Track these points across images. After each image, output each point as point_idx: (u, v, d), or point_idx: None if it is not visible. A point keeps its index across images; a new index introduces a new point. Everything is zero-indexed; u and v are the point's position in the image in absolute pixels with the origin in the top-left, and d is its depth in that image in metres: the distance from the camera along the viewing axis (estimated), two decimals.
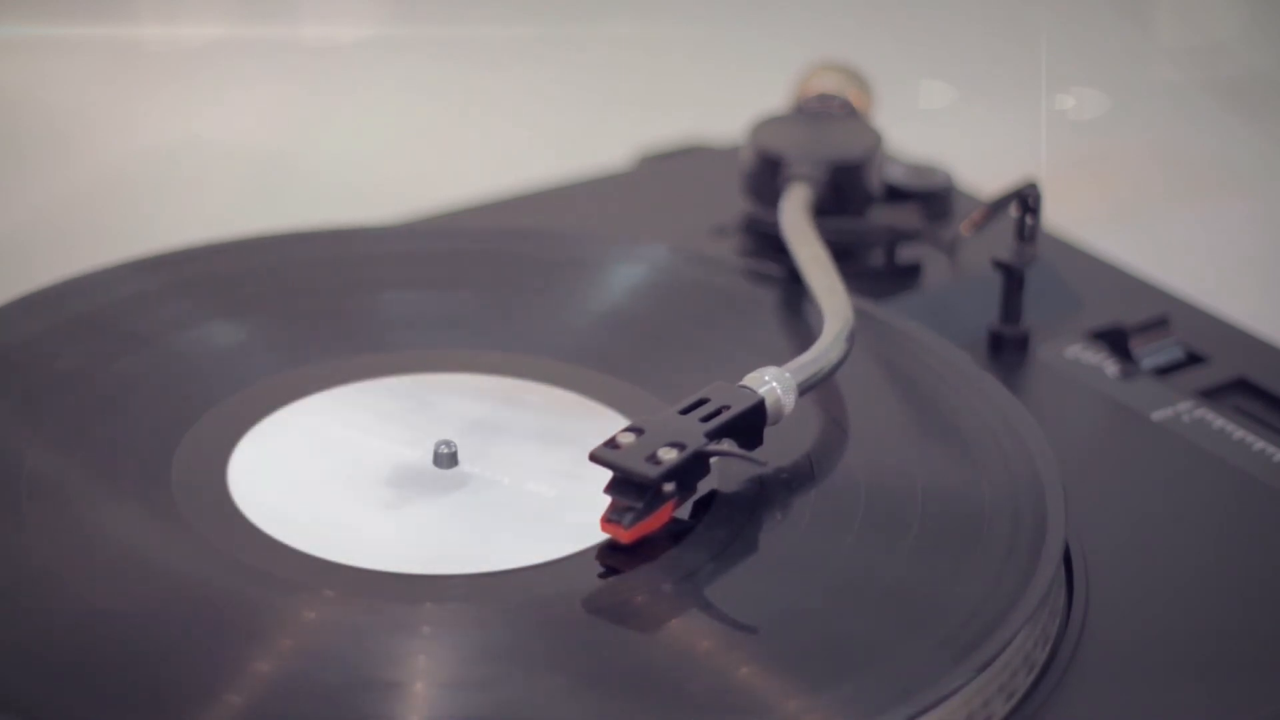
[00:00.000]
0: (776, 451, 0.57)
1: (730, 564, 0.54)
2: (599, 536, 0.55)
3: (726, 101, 0.82)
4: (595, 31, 1.11)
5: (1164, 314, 0.69)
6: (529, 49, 1.10)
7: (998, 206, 0.68)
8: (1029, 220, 0.67)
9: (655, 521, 0.54)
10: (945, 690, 0.50)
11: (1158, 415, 0.64)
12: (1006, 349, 0.68)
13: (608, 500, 0.54)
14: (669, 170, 0.80)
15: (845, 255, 0.71)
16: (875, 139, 0.72)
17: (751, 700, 0.50)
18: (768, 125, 0.73)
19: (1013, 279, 0.68)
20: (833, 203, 0.70)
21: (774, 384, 0.57)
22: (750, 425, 0.56)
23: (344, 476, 0.58)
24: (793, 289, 0.67)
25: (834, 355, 0.59)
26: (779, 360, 0.58)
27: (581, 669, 0.51)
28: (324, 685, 0.50)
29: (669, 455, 0.54)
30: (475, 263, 0.68)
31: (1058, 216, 0.75)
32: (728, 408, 0.56)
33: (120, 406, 0.60)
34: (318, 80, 1.07)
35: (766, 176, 0.71)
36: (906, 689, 0.50)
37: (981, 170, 0.80)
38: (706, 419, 0.55)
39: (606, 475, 0.54)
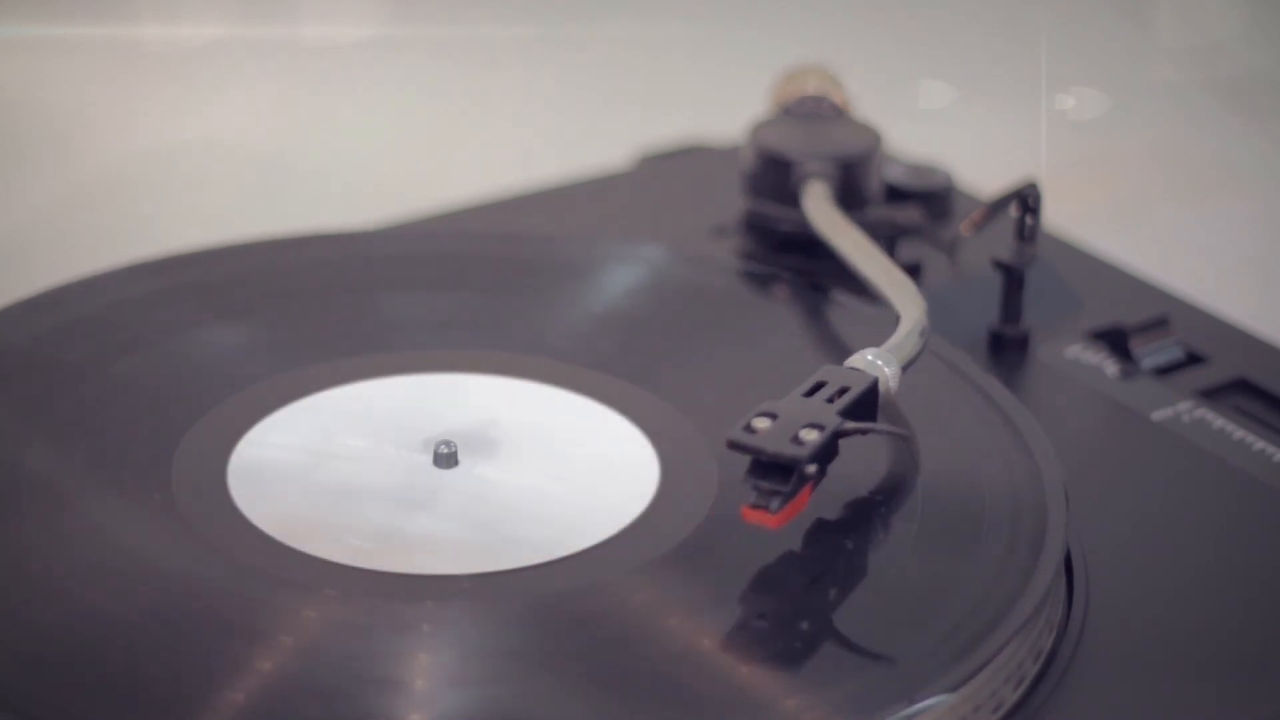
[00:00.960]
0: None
1: (730, 564, 0.54)
2: (599, 536, 0.55)
3: (726, 101, 0.82)
4: (595, 31, 1.11)
5: (1164, 314, 0.69)
6: (529, 49, 1.10)
7: (998, 206, 0.68)
8: (1029, 220, 0.67)
9: (797, 505, 0.54)
10: (943, 690, 0.50)
11: (1158, 415, 0.64)
12: (1006, 349, 0.68)
13: (602, 499, 0.54)
14: (669, 170, 0.80)
15: None
16: (876, 137, 0.72)
17: (750, 700, 0.50)
18: (771, 126, 0.73)
19: (1013, 279, 0.68)
20: (839, 200, 0.70)
21: (880, 363, 0.57)
22: (866, 405, 0.56)
23: (344, 476, 0.58)
24: (794, 287, 0.67)
25: (921, 337, 0.60)
26: (781, 358, 0.58)
27: (581, 669, 0.51)
28: (324, 685, 0.50)
29: (811, 436, 0.53)
30: (475, 263, 0.68)
31: (1058, 216, 0.75)
32: (847, 389, 0.56)
33: (120, 407, 0.60)
34: (318, 80, 1.07)
35: (777, 177, 0.71)
36: (904, 688, 0.50)
37: (981, 170, 0.80)
38: (831, 400, 0.55)
39: (603, 473, 0.54)
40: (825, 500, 0.56)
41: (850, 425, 0.54)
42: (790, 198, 0.70)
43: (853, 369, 0.57)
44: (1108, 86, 1.02)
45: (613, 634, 0.52)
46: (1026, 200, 0.67)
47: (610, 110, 1.04)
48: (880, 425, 0.56)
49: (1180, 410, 0.64)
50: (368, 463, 0.58)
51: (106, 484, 0.57)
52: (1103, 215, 0.95)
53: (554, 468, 0.58)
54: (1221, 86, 1.06)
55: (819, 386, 0.56)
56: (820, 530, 0.55)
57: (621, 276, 0.67)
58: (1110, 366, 0.67)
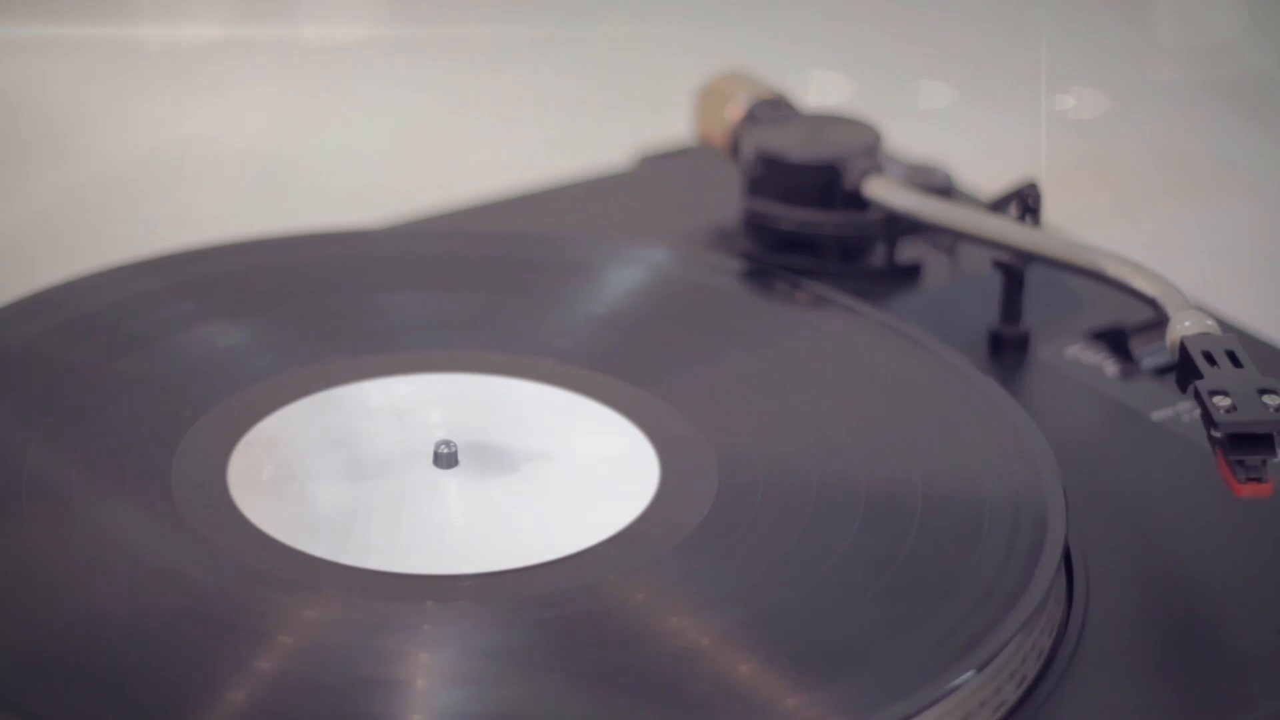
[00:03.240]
0: (778, 451, 0.57)
1: (729, 564, 0.54)
2: (599, 536, 0.55)
3: None
4: (595, 31, 1.11)
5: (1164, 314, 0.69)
6: (529, 49, 1.10)
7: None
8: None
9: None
10: (942, 689, 0.50)
11: (1158, 415, 0.64)
12: (1006, 349, 0.68)
13: (602, 499, 0.54)
14: (669, 170, 0.80)
15: (846, 252, 0.71)
16: (876, 135, 0.72)
17: (750, 699, 0.50)
18: (769, 131, 0.73)
19: (1013, 279, 0.68)
20: (840, 201, 0.71)
21: (1201, 319, 0.58)
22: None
23: (344, 476, 0.58)
24: (794, 287, 0.67)
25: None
26: (782, 357, 0.58)
27: (581, 669, 0.51)
28: (324, 685, 0.50)
29: (1275, 400, 0.54)
30: (475, 263, 0.68)
31: (1058, 216, 0.75)
32: (1231, 350, 0.56)
33: (120, 406, 0.60)
34: (318, 80, 1.07)
35: (821, 181, 0.71)
36: (904, 688, 0.50)
37: (981, 170, 0.80)
38: (1237, 364, 0.55)
39: (603, 473, 0.54)
40: (826, 500, 0.57)
41: None
42: (806, 198, 0.70)
43: (1204, 333, 0.57)
44: (1108, 86, 1.02)
45: (613, 634, 0.52)
46: (1026, 200, 0.67)
47: (610, 110, 1.04)
48: None
49: (1180, 410, 0.64)
50: (368, 463, 0.58)
51: (106, 484, 0.57)
52: (1103, 215, 0.95)
53: (554, 468, 0.58)
54: (1221, 86, 1.06)
55: (1209, 355, 0.56)
56: (820, 530, 0.55)
57: (622, 276, 0.67)
58: (1110, 366, 0.67)
